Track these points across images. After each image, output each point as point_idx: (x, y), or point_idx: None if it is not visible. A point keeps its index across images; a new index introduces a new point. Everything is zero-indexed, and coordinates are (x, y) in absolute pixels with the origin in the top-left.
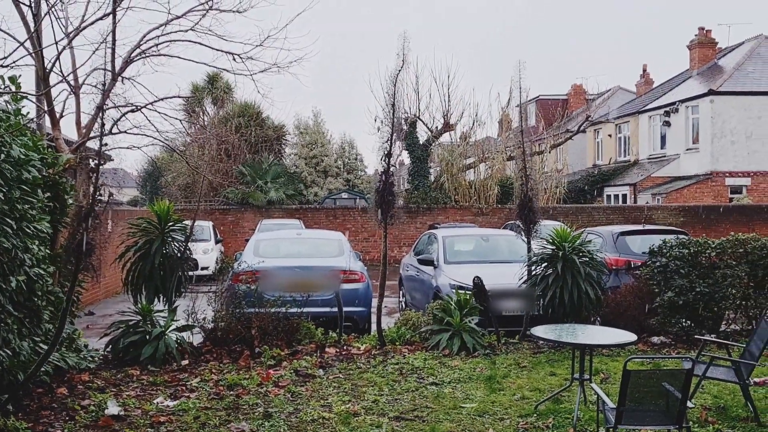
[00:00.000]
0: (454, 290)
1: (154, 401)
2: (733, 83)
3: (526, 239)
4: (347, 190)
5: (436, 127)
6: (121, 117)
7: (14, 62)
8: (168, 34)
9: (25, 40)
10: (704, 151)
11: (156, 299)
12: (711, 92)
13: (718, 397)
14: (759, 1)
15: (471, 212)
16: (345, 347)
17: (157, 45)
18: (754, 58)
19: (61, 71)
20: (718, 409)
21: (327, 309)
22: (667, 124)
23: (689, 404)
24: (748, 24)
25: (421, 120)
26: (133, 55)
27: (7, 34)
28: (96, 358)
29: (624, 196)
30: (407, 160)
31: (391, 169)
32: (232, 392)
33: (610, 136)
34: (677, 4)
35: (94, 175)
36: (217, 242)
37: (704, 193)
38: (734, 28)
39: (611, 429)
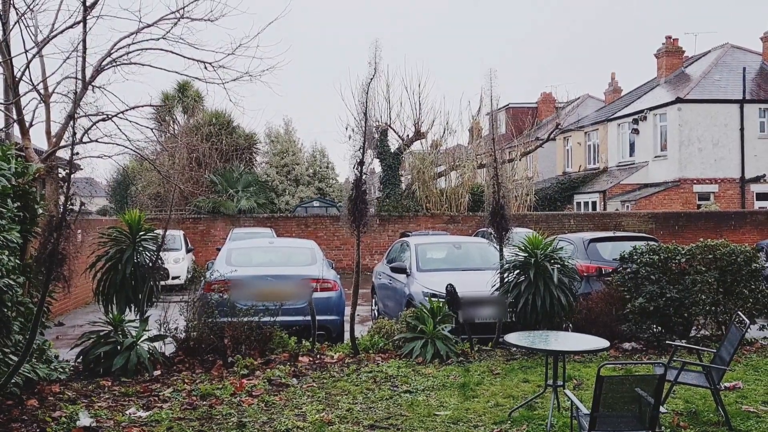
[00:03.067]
0: (427, 298)
1: (127, 412)
2: (700, 91)
3: (498, 246)
4: (319, 198)
5: (407, 135)
6: (92, 126)
7: None
8: (139, 42)
9: None
10: (672, 159)
11: (127, 309)
12: (678, 100)
13: (690, 402)
14: (725, 11)
15: (442, 220)
16: (318, 356)
17: (128, 53)
18: (720, 67)
19: (31, 80)
20: (690, 414)
21: (300, 318)
22: (636, 131)
23: (662, 409)
24: (713, 33)
25: (392, 128)
26: (103, 63)
27: None
28: (67, 369)
29: (594, 203)
30: (378, 168)
31: (363, 178)
32: (205, 402)
33: (579, 143)
34: (644, 13)
35: (66, 184)
36: (188, 251)
37: (673, 199)
38: (701, 37)
39: None
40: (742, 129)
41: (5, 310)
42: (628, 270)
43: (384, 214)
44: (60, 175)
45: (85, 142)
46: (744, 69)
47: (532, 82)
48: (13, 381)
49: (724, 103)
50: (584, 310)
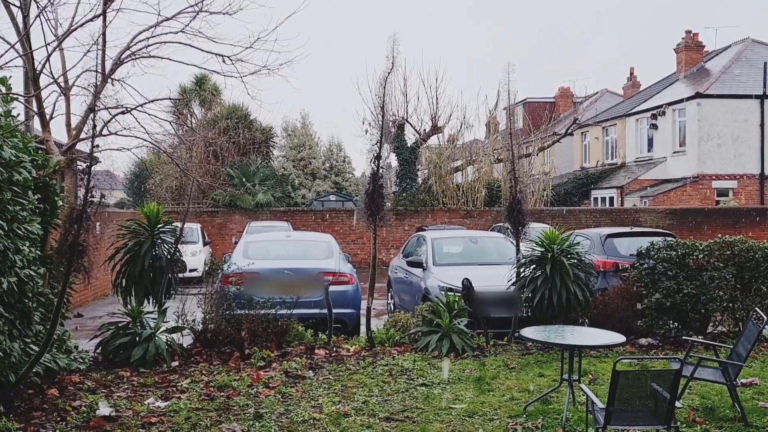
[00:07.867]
0: (443, 292)
1: (145, 402)
2: (720, 86)
3: (514, 241)
4: (335, 192)
5: (424, 130)
6: (111, 118)
7: (4, 63)
8: (158, 35)
9: (16, 42)
10: (691, 154)
11: (146, 301)
12: (698, 95)
13: (706, 398)
14: (746, 5)
15: (459, 214)
16: (334, 349)
17: (147, 47)
18: (740, 62)
19: (51, 73)
20: (706, 410)
21: (316, 311)
22: (654, 127)
23: (677, 404)
24: (734, 27)
25: (409, 122)
26: (123, 56)
27: None
28: (86, 360)
29: (611, 198)
30: (395, 163)
31: (380, 172)
32: (222, 393)
33: (597, 138)
34: (664, 8)
35: (86, 176)
36: (205, 244)
37: (691, 195)
38: (721, 32)
39: (600, 429)
40: (762, 124)
41: (26, 300)
42: (645, 266)
43: (400, 209)
44: (80, 168)
45: (104, 135)
46: (765, 64)
47: (550, 77)
48: (34, 371)
49: (744, 98)
50: (600, 306)
